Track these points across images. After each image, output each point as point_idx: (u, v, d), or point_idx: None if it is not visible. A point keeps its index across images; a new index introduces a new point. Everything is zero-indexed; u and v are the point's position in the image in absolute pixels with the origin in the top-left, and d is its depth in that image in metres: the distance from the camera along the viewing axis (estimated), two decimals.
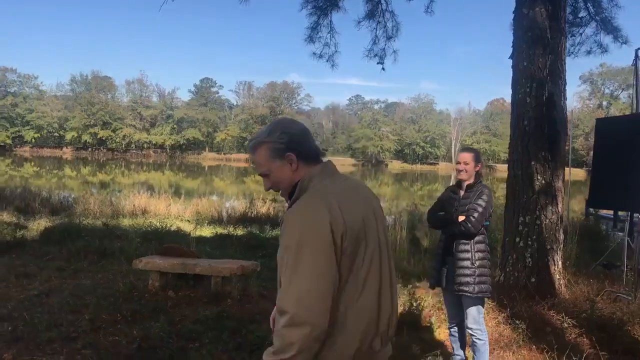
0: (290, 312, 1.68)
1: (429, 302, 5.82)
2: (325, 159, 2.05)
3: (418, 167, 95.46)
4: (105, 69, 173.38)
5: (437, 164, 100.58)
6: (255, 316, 5.32)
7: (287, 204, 1.99)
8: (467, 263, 3.86)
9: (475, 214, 3.84)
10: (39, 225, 10.52)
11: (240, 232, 11.40)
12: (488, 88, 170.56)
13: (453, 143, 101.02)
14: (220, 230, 11.64)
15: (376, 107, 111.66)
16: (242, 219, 13.31)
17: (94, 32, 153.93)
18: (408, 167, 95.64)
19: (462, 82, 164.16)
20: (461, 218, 3.87)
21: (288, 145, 1.94)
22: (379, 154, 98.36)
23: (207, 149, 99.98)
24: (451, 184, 4.32)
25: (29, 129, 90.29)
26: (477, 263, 3.87)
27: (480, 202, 3.89)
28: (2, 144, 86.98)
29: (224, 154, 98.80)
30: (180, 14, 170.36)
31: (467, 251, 3.87)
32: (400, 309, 5.57)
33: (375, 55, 10.92)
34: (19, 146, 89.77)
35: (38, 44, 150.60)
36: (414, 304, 5.44)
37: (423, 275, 7.16)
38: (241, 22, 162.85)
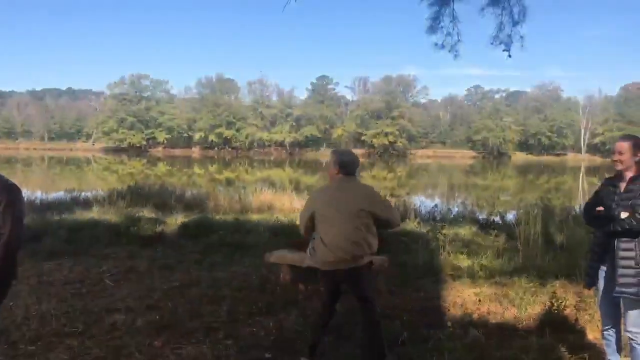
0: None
1: (570, 301, 5.46)
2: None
3: (544, 158, 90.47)
4: (229, 71, 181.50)
5: (566, 154, 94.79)
6: (387, 311, 5.26)
7: None
8: (630, 263, 3.50)
9: None
10: (175, 220, 11.21)
11: None
12: (621, 73, 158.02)
13: (582, 132, 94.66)
14: None
15: (497, 96, 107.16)
16: None
17: (217, 36, 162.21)
18: (533, 159, 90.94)
19: (590, 67, 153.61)
20: (624, 214, 3.50)
21: None
22: (501, 145, 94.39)
23: (324, 145, 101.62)
24: (606, 176, 3.96)
25: (161, 131, 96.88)
26: None
27: None
28: (138, 145, 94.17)
29: None
30: (299, 14, 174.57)
31: (631, 250, 3.50)
32: (538, 309, 5.28)
33: (501, 42, 10.33)
34: (152, 147, 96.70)
35: (167, 51, 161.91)
36: (555, 304, 5.11)
37: (560, 274, 6.73)
38: (355, 18, 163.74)
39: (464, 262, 7.63)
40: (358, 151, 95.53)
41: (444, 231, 9.34)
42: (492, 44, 10.41)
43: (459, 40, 10.45)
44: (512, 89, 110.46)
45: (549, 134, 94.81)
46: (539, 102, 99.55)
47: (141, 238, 9.21)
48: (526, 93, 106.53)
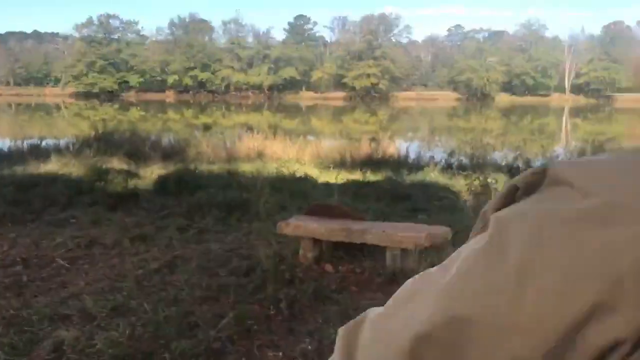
0: None
1: None
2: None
3: (528, 100, 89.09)
4: (202, 11, 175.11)
5: (549, 95, 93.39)
6: None
7: None
8: None
9: None
10: (151, 173, 9.41)
11: (373, 177, 9.75)
12: (604, 12, 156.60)
13: (567, 72, 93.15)
14: (348, 175, 10.04)
15: (479, 36, 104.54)
16: (368, 162, 11.64)
17: None
18: (517, 100, 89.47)
19: (573, 4, 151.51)
20: None
21: None
22: (485, 86, 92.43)
23: (304, 88, 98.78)
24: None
25: (133, 74, 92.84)
26: None
27: None
28: (110, 89, 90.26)
29: (321, 92, 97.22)
30: None
31: None
32: None
33: None
34: (125, 91, 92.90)
35: None
36: None
37: None
38: None
39: None
40: (339, 94, 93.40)
41: (477, 182, 7.78)
42: None
43: None
44: (494, 29, 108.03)
45: (534, 74, 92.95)
46: (523, 41, 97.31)
47: (109, 196, 7.40)
48: (508, 33, 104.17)
